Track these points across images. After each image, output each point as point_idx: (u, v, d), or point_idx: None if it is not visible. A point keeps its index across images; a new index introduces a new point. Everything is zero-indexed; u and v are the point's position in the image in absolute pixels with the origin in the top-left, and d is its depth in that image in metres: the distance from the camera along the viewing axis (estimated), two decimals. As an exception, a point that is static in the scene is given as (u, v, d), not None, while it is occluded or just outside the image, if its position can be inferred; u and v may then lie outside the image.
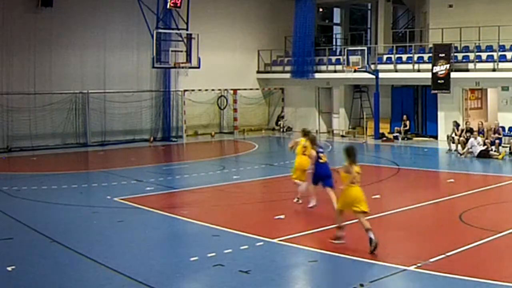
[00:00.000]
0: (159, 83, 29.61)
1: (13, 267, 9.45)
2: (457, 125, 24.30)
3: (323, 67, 31.29)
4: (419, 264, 9.22)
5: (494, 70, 24.85)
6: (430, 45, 27.43)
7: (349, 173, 10.33)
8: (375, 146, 26.93)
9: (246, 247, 10.53)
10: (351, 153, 10.45)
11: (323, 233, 11.57)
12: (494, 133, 23.19)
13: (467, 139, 22.71)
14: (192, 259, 9.85)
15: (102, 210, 13.96)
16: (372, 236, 9.98)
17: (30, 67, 25.56)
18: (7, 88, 25.00)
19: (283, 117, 33.87)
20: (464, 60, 25.98)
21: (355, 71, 27.80)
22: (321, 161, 12.94)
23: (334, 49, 34.92)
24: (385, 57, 29.44)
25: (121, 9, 27.72)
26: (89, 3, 27.12)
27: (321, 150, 13.18)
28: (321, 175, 12.84)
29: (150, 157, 25.35)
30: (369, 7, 37.55)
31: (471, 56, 25.81)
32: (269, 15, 33.73)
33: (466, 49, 26.53)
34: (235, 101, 32.66)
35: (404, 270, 9.09)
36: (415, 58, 27.57)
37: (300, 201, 13.90)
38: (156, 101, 29.56)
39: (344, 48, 29.76)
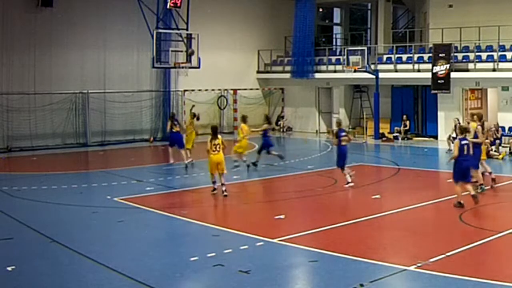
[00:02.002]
0: (159, 83, 29.62)
1: (13, 267, 9.45)
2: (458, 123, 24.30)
3: (323, 67, 31.29)
4: (419, 264, 9.22)
5: (494, 70, 24.85)
6: (430, 45, 27.44)
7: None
8: (375, 146, 26.94)
9: (246, 247, 10.53)
10: (212, 130, 15.16)
11: (323, 233, 11.58)
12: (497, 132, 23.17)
13: (467, 139, 22.67)
14: (192, 259, 9.85)
15: (102, 210, 13.97)
16: (224, 188, 14.90)
17: (30, 67, 25.57)
18: (7, 88, 25.02)
19: (283, 117, 33.87)
20: (464, 60, 25.98)
21: (355, 71, 27.79)
22: (174, 130, 20.26)
23: (334, 49, 34.91)
24: (385, 57, 29.45)
25: (121, 9, 27.71)
26: (89, 3, 27.12)
27: (176, 122, 20.55)
28: (173, 140, 20.41)
29: (150, 157, 25.35)
30: (369, 7, 37.54)
31: (471, 56, 25.82)
32: (269, 15, 33.73)
33: (466, 49, 26.54)
34: (235, 101, 32.68)
35: (404, 270, 9.09)
36: (415, 58, 27.57)
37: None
38: (156, 101, 29.57)
39: (344, 48, 29.76)
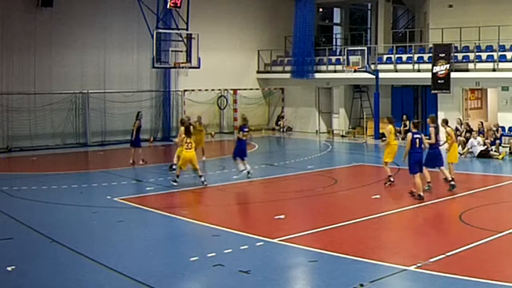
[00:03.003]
0: (159, 83, 29.62)
1: (13, 267, 9.45)
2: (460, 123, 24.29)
3: (323, 67, 31.29)
4: (419, 264, 9.23)
5: (494, 70, 24.84)
6: (430, 45, 27.43)
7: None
8: (375, 146, 26.92)
9: (246, 247, 10.53)
10: (185, 129, 16.60)
11: (323, 233, 11.58)
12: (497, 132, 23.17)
13: (467, 139, 22.73)
14: (192, 259, 9.85)
15: (102, 210, 13.97)
16: (203, 179, 16.44)
17: (30, 67, 25.57)
18: (7, 88, 25.02)
19: (283, 117, 33.87)
20: (464, 60, 25.97)
21: (355, 71, 27.79)
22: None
23: (334, 49, 34.91)
24: (385, 57, 29.44)
25: (121, 9, 27.72)
26: (89, 3, 27.13)
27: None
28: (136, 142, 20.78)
29: (150, 157, 25.32)
30: (369, 7, 37.54)
31: (471, 56, 25.81)
32: (269, 15, 33.74)
33: (466, 49, 26.53)
34: (235, 101, 32.68)
35: (404, 270, 9.10)
36: (415, 58, 27.56)
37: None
38: (156, 101, 29.56)
39: (344, 48, 29.76)
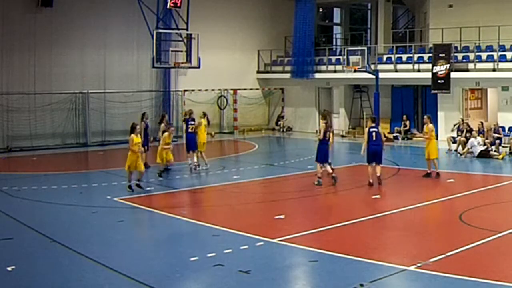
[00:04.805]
0: (159, 83, 29.61)
1: (13, 267, 9.45)
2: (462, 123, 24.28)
3: (323, 67, 31.28)
4: (419, 264, 9.23)
5: (494, 70, 24.84)
6: (430, 45, 27.43)
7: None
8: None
9: (246, 247, 10.53)
10: (131, 128, 15.95)
11: (323, 233, 11.58)
12: (494, 133, 23.11)
13: (467, 139, 22.72)
14: (192, 259, 9.86)
15: (102, 210, 13.97)
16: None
17: (30, 67, 25.56)
18: (7, 88, 25.01)
19: (283, 117, 33.87)
20: (464, 60, 25.97)
21: (355, 71, 27.74)
22: None
23: (334, 49, 34.91)
24: (385, 57, 29.44)
25: (121, 9, 27.71)
26: (89, 3, 27.11)
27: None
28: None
29: (150, 157, 25.31)
30: (369, 7, 37.55)
31: (471, 56, 25.81)
32: (269, 15, 33.73)
33: (466, 49, 26.53)
34: (235, 101, 32.67)
35: (404, 270, 9.10)
36: (415, 58, 27.56)
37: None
38: (156, 101, 29.55)
39: (344, 48, 29.72)
